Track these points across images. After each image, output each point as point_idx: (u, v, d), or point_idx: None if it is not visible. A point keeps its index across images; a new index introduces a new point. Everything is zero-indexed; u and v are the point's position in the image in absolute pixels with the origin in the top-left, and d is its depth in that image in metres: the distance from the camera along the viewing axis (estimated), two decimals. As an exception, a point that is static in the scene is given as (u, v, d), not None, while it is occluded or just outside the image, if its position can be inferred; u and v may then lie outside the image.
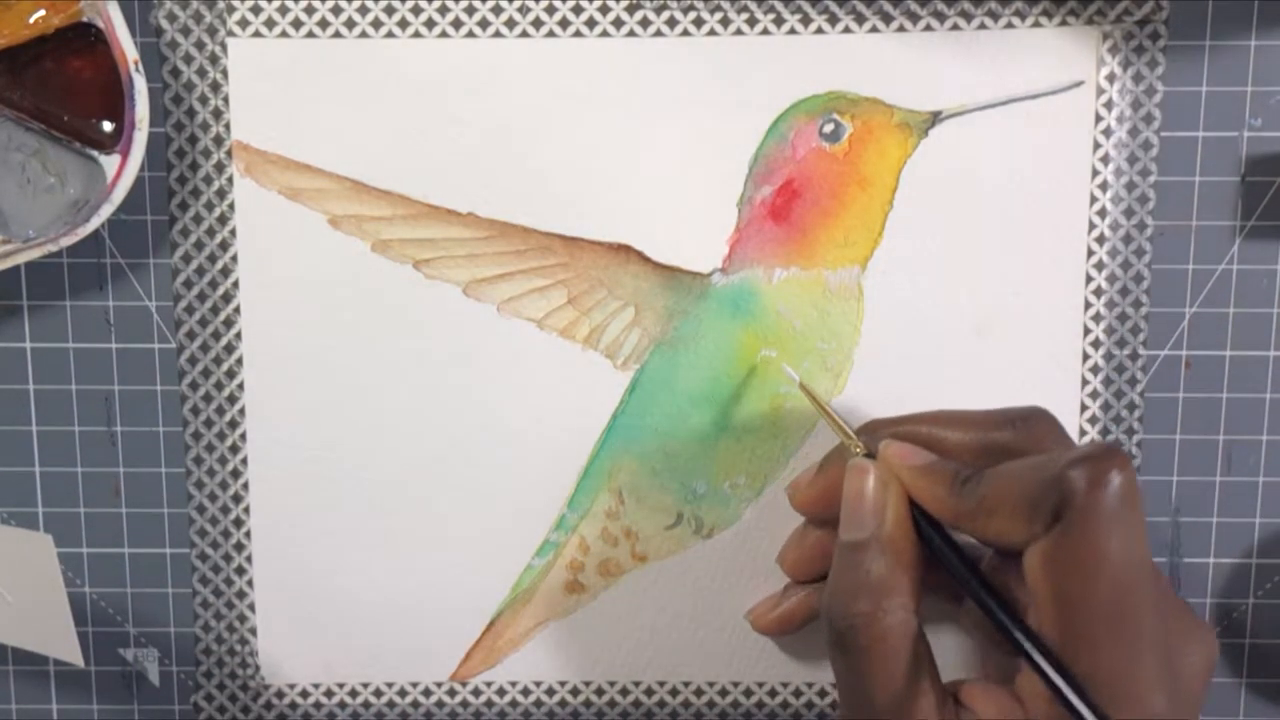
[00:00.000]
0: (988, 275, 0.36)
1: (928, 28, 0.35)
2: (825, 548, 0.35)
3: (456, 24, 0.35)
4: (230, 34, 0.35)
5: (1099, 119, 0.36)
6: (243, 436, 0.37)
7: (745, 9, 0.35)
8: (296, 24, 0.35)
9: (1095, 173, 0.36)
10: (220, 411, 0.37)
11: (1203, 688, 0.30)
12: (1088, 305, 0.36)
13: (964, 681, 0.31)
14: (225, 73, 0.36)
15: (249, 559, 0.38)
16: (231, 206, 0.36)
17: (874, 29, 0.35)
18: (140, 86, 0.34)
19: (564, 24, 0.35)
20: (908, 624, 0.29)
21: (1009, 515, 0.29)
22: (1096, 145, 0.36)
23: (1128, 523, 0.27)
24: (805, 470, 0.36)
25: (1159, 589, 0.29)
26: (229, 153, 0.36)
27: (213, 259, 0.37)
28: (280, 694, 0.39)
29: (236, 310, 0.37)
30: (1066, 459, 0.28)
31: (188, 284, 0.37)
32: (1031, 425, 0.31)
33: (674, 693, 0.39)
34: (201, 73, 0.36)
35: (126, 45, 0.33)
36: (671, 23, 0.35)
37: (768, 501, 0.37)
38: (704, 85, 0.36)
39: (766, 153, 0.36)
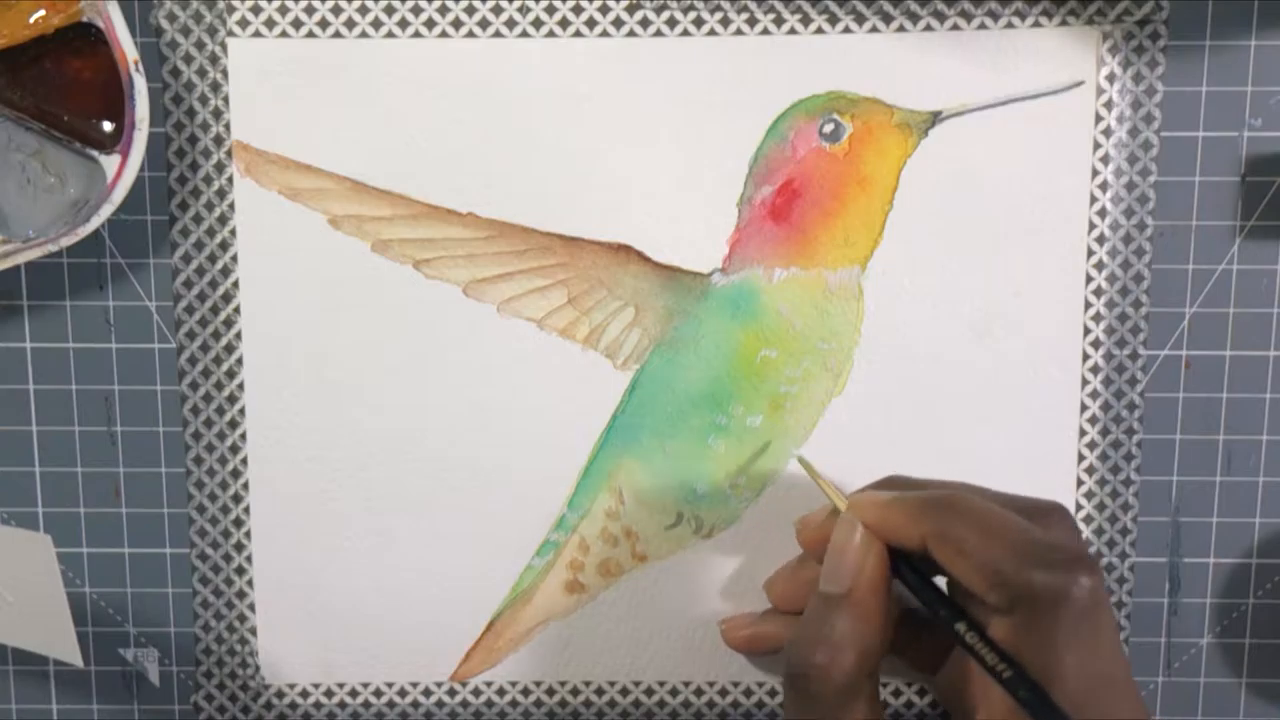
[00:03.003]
0: (988, 275, 0.36)
1: (928, 28, 0.35)
2: (815, 587, 0.34)
3: (456, 24, 0.35)
4: (230, 34, 0.35)
5: (1099, 119, 0.36)
6: (243, 436, 0.37)
7: (745, 9, 0.35)
8: (296, 24, 0.35)
9: (1095, 173, 0.36)
10: (220, 411, 0.37)
11: None
12: (1088, 305, 0.36)
13: None
14: (225, 73, 0.36)
15: (249, 559, 0.38)
16: (231, 206, 0.36)
17: (874, 29, 0.35)
18: (140, 86, 0.33)
19: (564, 24, 0.35)
20: (859, 683, 0.30)
21: (975, 569, 0.29)
22: (1096, 145, 0.36)
23: (1087, 636, 0.28)
24: (817, 510, 0.35)
25: (1126, 700, 0.29)
26: (229, 153, 0.36)
27: (213, 259, 0.37)
28: (280, 694, 0.39)
29: (236, 310, 0.37)
30: (1038, 555, 0.28)
31: (188, 284, 0.37)
32: (1050, 521, 0.31)
33: (674, 693, 0.39)
34: (201, 73, 0.36)
35: (126, 45, 0.33)
36: (671, 23, 0.35)
37: (767, 502, 0.37)
38: (704, 85, 0.36)
39: (766, 153, 0.36)
